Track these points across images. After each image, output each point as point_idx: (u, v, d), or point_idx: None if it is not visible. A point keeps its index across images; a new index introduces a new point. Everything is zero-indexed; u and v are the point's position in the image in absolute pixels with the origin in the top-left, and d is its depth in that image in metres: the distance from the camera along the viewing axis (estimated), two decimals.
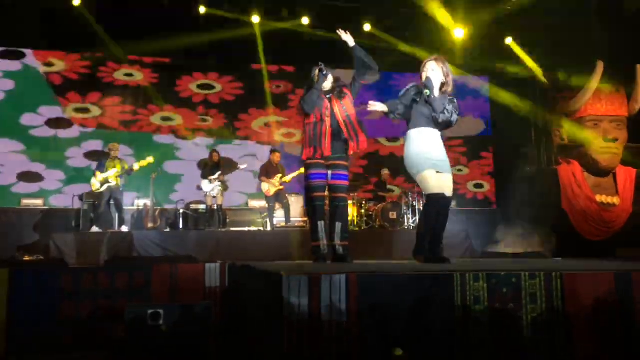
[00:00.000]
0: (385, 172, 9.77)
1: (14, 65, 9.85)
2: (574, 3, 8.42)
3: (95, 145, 9.82)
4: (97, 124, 10.00)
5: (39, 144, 9.66)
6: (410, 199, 9.21)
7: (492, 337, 2.23)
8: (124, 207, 8.68)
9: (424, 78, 3.83)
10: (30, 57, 9.93)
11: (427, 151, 3.73)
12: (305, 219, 8.29)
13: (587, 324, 2.29)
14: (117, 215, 8.55)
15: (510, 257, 7.67)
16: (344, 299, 2.15)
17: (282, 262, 4.77)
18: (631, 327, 2.32)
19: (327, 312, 2.13)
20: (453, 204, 4.77)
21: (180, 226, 8.79)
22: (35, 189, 9.47)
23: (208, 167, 9.03)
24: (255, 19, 9.61)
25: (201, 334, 3.26)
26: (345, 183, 4.35)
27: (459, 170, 10.99)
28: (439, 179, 3.72)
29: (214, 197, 8.86)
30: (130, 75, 10.30)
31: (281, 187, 8.81)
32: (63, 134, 9.84)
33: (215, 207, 8.85)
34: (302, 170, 4.80)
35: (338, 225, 4.28)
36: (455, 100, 3.84)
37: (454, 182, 3.88)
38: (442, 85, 3.83)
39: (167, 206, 9.62)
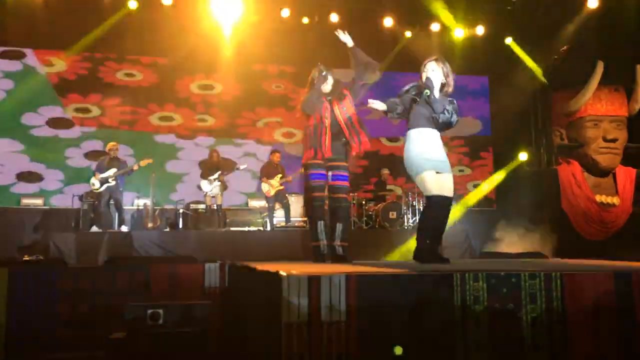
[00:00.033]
0: (385, 172, 9.77)
1: (14, 65, 9.85)
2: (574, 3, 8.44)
3: (95, 145, 9.81)
4: (97, 124, 10.00)
5: (39, 143, 9.66)
6: (410, 199, 9.21)
7: (491, 337, 2.23)
8: (124, 207, 8.68)
9: (424, 78, 3.83)
10: (31, 57, 9.92)
11: (427, 151, 3.72)
12: (305, 219, 8.28)
13: (587, 324, 2.29)
14: (116, 215, 8.55)
15: (510, 257, 7.66)
16: (344, 299, 2.15)
17: (281, 262, 4.77)
18: (631, 326, 2.32)
19: (326, 312, 2.13)
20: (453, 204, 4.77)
21: (180, 226, 8.79)
22: (35, 188, 9.46)
23: (207, 167, 9.03)
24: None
25: (200, 334, 3.26)
26: (346, 184, 4.35)
27: (461, 170, 10.99)
28: (438, 180, 3.71)
29: (214, 197, 8.86)
30: (130, 75, 10.30)
31: (281, 187, 8.81)
32: (63, 134, 9.83)
33: (215, 207, 8.85)
34: (302, 170, 4.80)
35: (339, 226, 4.28)
36: (455, 102, 3.84)
37: (454, 182, 3.87)
38: (443, 85, 3.83)
39: (167, 206, 9.62)
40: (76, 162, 9.75)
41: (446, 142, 3.80)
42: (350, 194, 8.30)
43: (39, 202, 9.22)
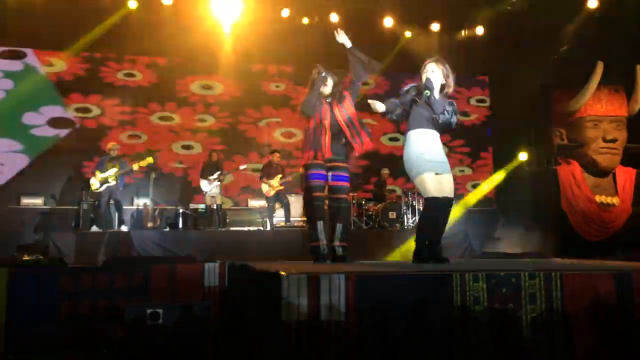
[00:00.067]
0: (385, 171, 9.77)
1: (15, 65, 9.84)
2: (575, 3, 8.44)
3: (95, 145, 9.80)
4: (97, 124, 10.01)
5: (40, 143, 9.66)
6: (410, 198, 9.21)
7: (491, 337, 2.23)
8: (124, 207, 8.68)
9: (424, 79, 3.83)
10: (31, 57, 9.92)
11: (426, 152, 3.72)
12: (305, 218, 8.28)
13: (587, 324, 2.29)
14: (116, 215, 8.55)
15: (509, 257, 7.66)
16: (343, 299, 2.15)
17: (281, 262, 4.76)
18: (631, 327, 2.32)
19: (326, 312, 2.13)
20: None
21: (180, 226, 8.79)
22: (35, 188, 9.46)
23: (207, 167, 9.03)
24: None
25: (200, 334, 3.26)
26: (346, 184, 4.35)
27: (461, 170, 11.00)
28: (438, 181, 3.71)
29: (213, 196, 8.86)
30: (130, 75, 10.30)
31: (281, 188, 8.81)
32: (64, 133, 9.83)
33: (215, 207, 8.85)
34: (302, 170, 4.80)
35: (338, 226, 4.28)
36: (455, 103, 3.84)
37: (455, 182, 3.87)
38: (442, 86, 3.83)
39: (167, 206, 9.62)
40: (76, 162, 9.74)
41: (446, 142, 3.81)
42: (350, 194, 8.30)
43: (39, 201, 9.22)
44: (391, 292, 2.21)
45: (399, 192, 9.90)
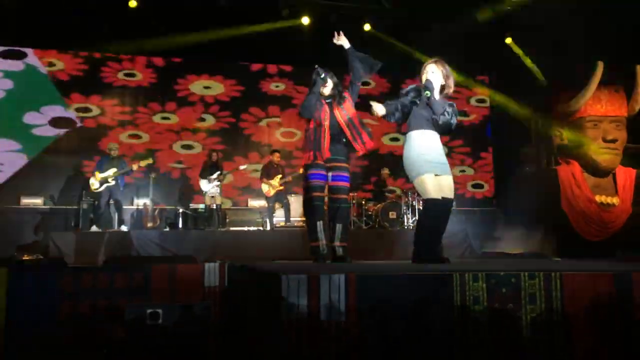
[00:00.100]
0: (385, 171, 9.77)
1: (16, 65, 9.85)
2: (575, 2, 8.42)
3: (95, 145, 9.81)
4: (97, 124, 10.01)
5: (39, 143, 9.66)
6: (410, 198, 9.21)
7: (491, 337, 2.23)
8: (124, 207, 8.68)
9: (423, 80, 3.83)
10: (32, 57, 9.92)
11: (426, 153, 3.72)
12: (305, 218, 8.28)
13: (586, 324, 2.29)
14: (116, 214, 8.56)
15: (509, 257, 7.66)
16: (343, 299, 2.15)
17: (281, 262, 4.77)
18: (631, 327, 2.32)
19: (326, 311, 2.13)
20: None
21: (180, 226, 8.80)
22: (35, 188, 9.46)
23: (207, 167, 9.03)
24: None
25: (200, 334, 3.26)
26: (346, 184, 4.35)
27: (461, 170, 11.00)
28: (437, 182, 3.71)
29: (213, 196, 8.87)
30: (130, 75, 10.30)
31: (281, 188, 8.81)
32: (63, 133, 9.84)
33: (214, 207, 8.85)
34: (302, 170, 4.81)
35: (338, 226, 4.29)
36: (455, 104, 3.84)
37: (455, 182, 3.87)
38: (442, 87, 3.83)
39: (166, 206, 9.62)
40: (76, 162, 9.74)
41: (446, 143, 3.82)
42: (350, 194, 8.31)
43: (38, 201, 9.22)
44: (391, 292, 2.21)
45: (399, 192, 9.90)
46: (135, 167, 8.39)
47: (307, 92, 4.36)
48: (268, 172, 8.87)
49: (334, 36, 4.32)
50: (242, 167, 9.31)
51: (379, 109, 3.88)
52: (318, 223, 4.28)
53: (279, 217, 8.92)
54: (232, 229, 8.92)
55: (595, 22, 8.42)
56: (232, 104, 10.56)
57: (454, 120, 3.76)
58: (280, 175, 8.82)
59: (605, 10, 8.40)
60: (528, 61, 9.81)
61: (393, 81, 10.73)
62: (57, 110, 9.86)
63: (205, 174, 8.94)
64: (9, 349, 3.82)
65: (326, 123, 4.22)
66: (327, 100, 4.29)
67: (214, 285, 4.22)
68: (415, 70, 4.18)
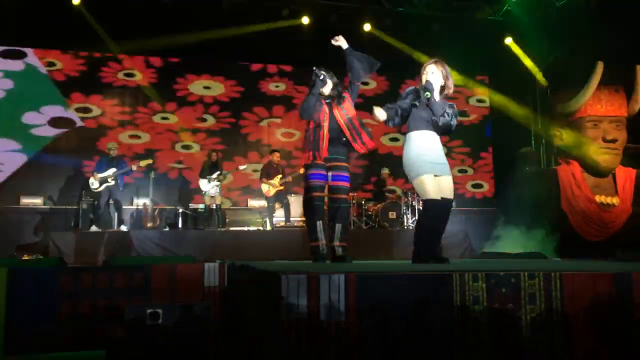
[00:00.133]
0: (385, 171, 9.77)
1: (16, 65, 9.84)
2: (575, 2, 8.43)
3: (95, 145, 9.81)
4: (97, 124, 10.01)
5: (39, 143, 9.66)
6: (410, 198, 9.21)
7: (491, 338, 2.23)
8: (123, 207, 8.69)
9: (423, 81, 3.83)
10: (32, 57, 9.92)
11: (426, 153, 3.71)
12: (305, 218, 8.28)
13: (586, 324, 2.29)
14: (116, 214, 8.56)
15: (509, 257, 7.66)
16: (343, 299, 2.15)
17: (281, 262, 4.77)
18: (631, 327, 2.32)
19: (325, 311, 2.13)
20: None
21: (179, 226, 8.80)
22: (35, 188, 9.46)
23: (207, 167, 9.03)
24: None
25: (200, 334, 3.26)
26: (346, 184, 4.35)
27: (461, 170, 11.00)
28: (437, 183, 3.70)
29: (213, 196, 8.87)
30: (130, 75, 10.30)
31: (281, 188, 8.81)
32: (63, 133, 9.83)
33: (214, 207, 8.85)
34: (302, 171, 4.82)
35: (338, 226, 4.29)
36: (455, 105, 3.83)
37: (454, 182, 3.87)
38: (442, 88, 3.83)
39: (166, 206, 9.62)
40: (76, 162, 9.74)
41: (446, 143, 3.83)
42: (350, 194, 8.31)
43: (38, 201, 9.22)
44: (391, 292, 2.21)
45: (399, 192, 9.90)
46: (134, 167, 8.40)
47: (306, 92, 4.36)
48: (268, 172, 8.87)
49: (331, 39, 4.32)
50: (241, 167, 9.31)
51: (380, 113, 3.86)
52: (318, 223, 4.28)
53: (278, 217, 8.93)
54: (232, 229, 8.92)
55: (595, 22, 8.43)
56: (232, 104, 10.56)
57: (454, 122, 3.75)
58: (280, 175, 8.82)
59: (605, 11, 8.40)
60: (528, 61, 9.81)
61: (393, 81, 10.73)
62: (56, 110, 9.86)
63: (205, 174, 8.95)
64: (9, 349, 3.81)
65: (325, 123, 4.22)
66: (327, 100, 4.29)
67: (213, 285, 4.22)
68: (415, 70, 4.18)
